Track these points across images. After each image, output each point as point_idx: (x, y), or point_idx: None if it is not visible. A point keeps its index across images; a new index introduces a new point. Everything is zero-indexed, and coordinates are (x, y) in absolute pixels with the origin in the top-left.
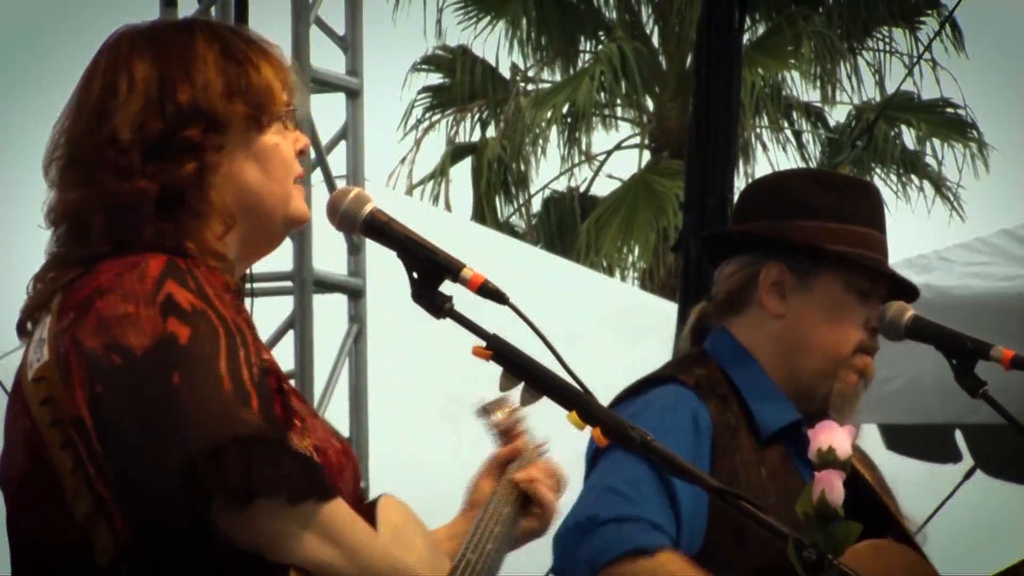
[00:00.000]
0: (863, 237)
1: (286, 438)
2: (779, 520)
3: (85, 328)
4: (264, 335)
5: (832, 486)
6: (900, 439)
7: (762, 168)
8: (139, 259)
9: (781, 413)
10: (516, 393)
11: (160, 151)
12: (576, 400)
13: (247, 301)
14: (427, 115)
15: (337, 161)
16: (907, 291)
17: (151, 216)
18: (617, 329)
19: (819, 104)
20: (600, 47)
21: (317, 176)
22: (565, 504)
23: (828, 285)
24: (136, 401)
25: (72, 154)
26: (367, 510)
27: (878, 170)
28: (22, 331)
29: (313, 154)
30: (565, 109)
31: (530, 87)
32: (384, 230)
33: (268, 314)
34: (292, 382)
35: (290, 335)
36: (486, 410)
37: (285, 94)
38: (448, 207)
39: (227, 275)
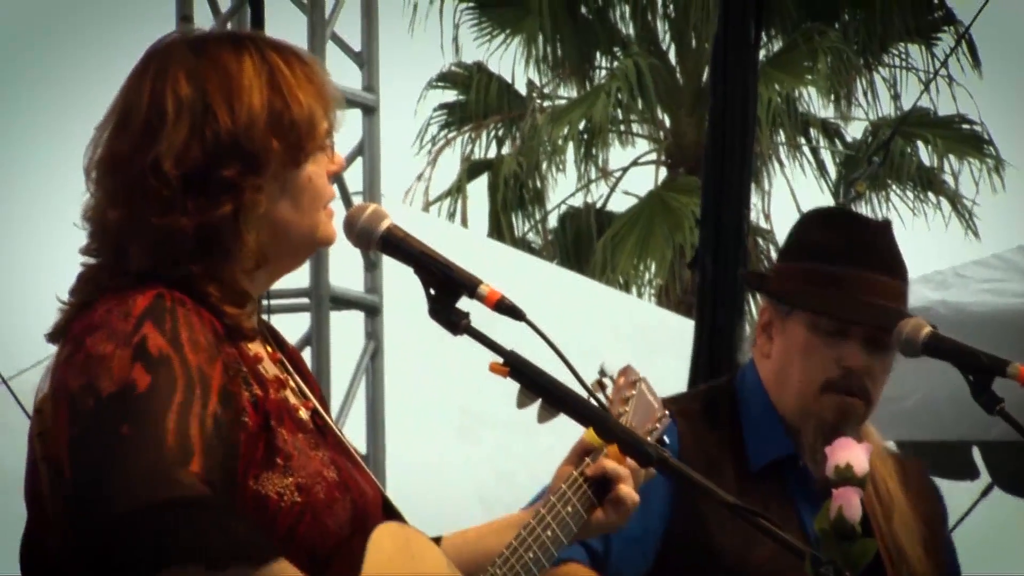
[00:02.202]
0: (841, 278)
1: (219, 499)
2: (757, 548)
3: (73, 366)
4: None
5: (849, 503)
6: (917, 455)
7: (779, 184)
8: (129, 294)
9: (773, 448)
10: (534, 407)
11: (199, 186)
12: (593, 416)
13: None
14: (443, 132)
15: (353, 177)
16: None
17: (189, 254)
18: (633, 345)
19: (835, 120)
20: (616, 63)
21: None
22: None
23: (799, 324)
24: (91, 448)
25: (117, 168)
26: (363, 541)
27: (894, 186)
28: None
29: None
30: (581, 125)
31: (546, 103)
32: (401, 246)
33: (285, 331)
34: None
35: (307, 352)
36: (600, 383)
37: (326, 123)
38: (464, 223)
39: (234, 315)
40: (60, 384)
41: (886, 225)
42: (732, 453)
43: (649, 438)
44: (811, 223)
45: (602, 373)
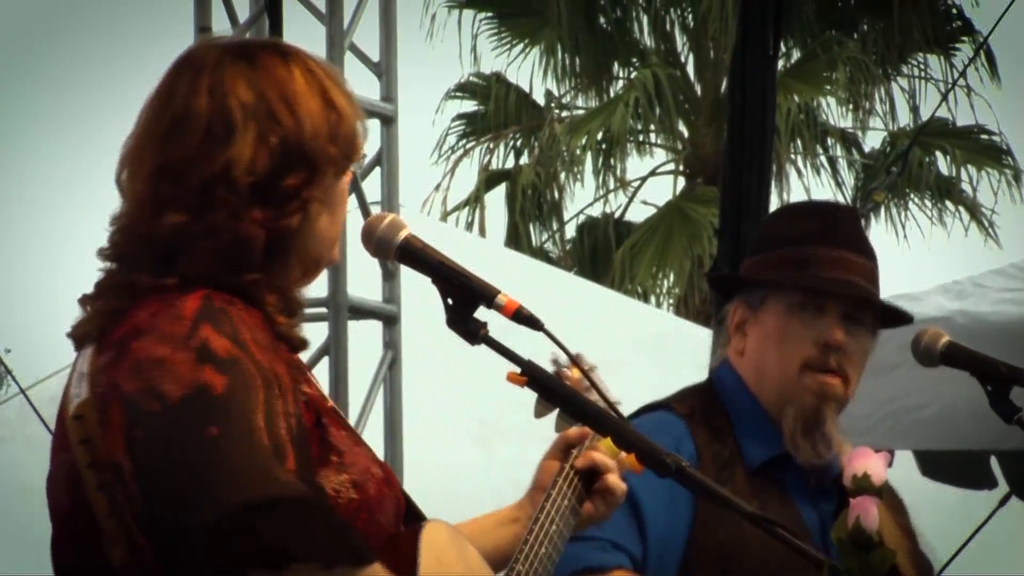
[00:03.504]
0: (808, 257)
1: (322, 497)
2: (774, 550)
3: (122, 370)
4: None
5: (867, 512)
6: (935, 465)
7: (796, 194)
8: (175, 297)
9: (765, 447)
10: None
11: (267, 195)
12: (611, 426)
13: None
14: (461, 142)
15: (372, 188)
16: (873, 304)
17: (257, 263)
18: (652, 355)
19: (853, 130)
20: (634, 73)
21: (352, 203)
22: None
23: (773, 312)
24: (172, 450)
25: (175, 176)
26: (410, 536)
27: (913, 196)
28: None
29: None
30: (599, 135)
31: (564, 113)
32: (419, 256)
33: None
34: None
35: (325, 361)
36: (559, 375)
37: (361, 137)
38: (482, 233)
39: (286, 324)
40: (109, 388)
41: (851, 209)
42: (735, 455)
43: None
44: (777, 217)
45: (556, 363)
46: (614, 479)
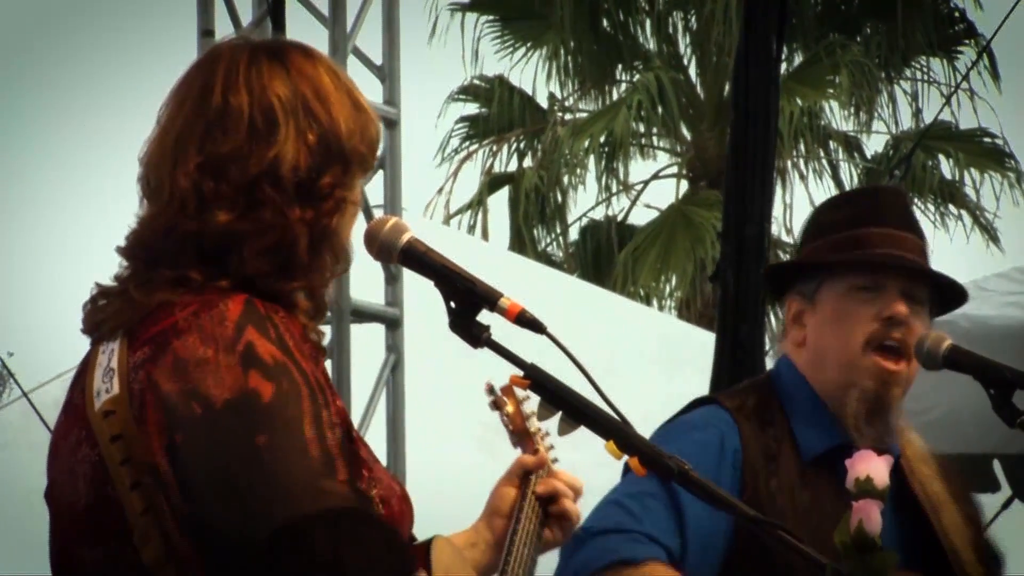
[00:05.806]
0: (861, 237)
1: (373, 510)
2: (824, 543)
3: (162, 369)
4: None
5: (869, 516)
6: None
7: (799, 198)
8: (216, 298)
9: (823, 438)
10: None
11: (307, 193)
12: (613, 429)
13: None
14: (464, 144)
15: (374, 191)
16: (929, 276)
17: (303, 264)
18: (655, 359)
19: (856, 133)
20: (637, 77)
21: None
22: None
23: (830, 295)
24: (218, 458)
25: (221, 172)
26: (420, 550)
27: (915, 200)
28: (94, 336)
29: None
30: (602, 139)
31: (567, 116)
32: (421, 259)
33: None
34: None
35: (327, 365)
36: (496, 403)
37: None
38: (485, 236)
39: (315, 330)
40: (147, 386)
41: (896, 189)
42: (790, 446)
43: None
44: (825, 206)
45: (491, 391)
46: (569, 504)
